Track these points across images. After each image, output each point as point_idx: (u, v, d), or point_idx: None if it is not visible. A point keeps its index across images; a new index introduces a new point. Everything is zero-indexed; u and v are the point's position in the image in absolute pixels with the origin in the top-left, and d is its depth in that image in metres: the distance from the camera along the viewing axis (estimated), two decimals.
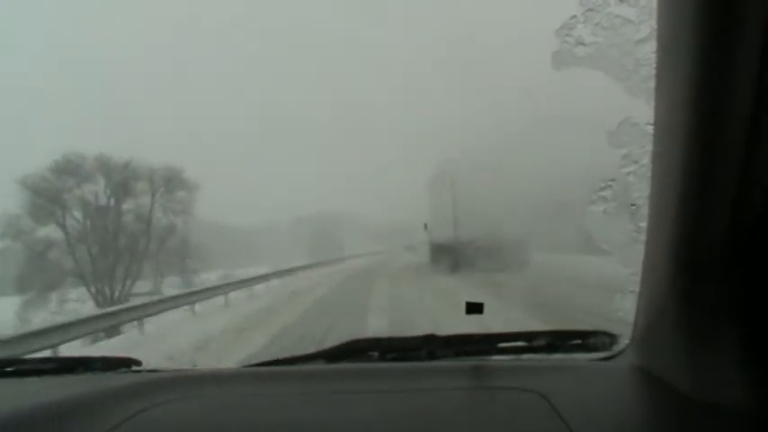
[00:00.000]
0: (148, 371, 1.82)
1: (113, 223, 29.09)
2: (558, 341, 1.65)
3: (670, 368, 1.15)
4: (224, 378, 1.73)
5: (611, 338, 1.58)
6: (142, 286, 28.60)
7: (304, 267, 33.49)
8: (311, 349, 1.84)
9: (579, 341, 1.64)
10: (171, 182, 30.79)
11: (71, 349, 9.88)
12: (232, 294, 18.89)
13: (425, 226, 35.06)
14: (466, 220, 23.15)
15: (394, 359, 1.71)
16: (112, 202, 29.46)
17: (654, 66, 1.12)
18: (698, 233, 0.99)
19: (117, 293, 27.66)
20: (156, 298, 16.77)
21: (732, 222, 0.91)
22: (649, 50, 1.14)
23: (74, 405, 1.39)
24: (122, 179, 29.43)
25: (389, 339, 1.87)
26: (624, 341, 1.48)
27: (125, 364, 1.84)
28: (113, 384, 1.59)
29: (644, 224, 1.20)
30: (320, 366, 1.72)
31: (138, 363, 1.85)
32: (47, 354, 8.78)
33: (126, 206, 29.72)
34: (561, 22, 1.35)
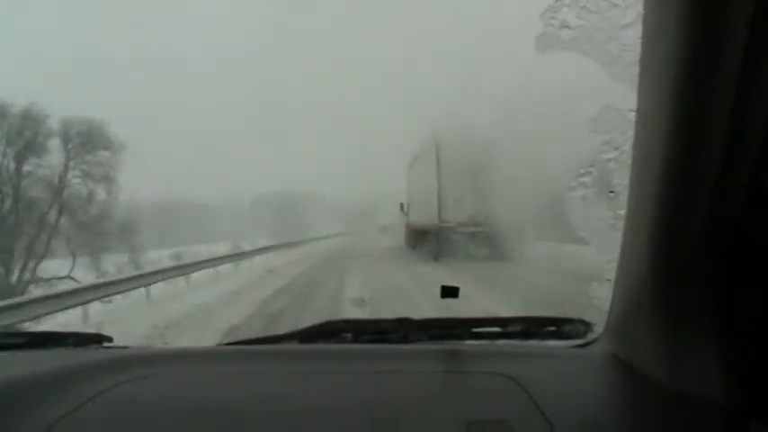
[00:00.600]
0: (120, 347, 1.80)
1: (10, 188, 22.22)
2: (533, 327, 1.66)
3: (644, 357, 1.15)
4: (197, 356, 1.72)
5: (586, 326, 1.59)
6: (49, 268, 22.93)
7: (261, 250, 30.61)
8: (286, 330, 1.83)
9: (554, 328, 1.64)
10: (91, 139, 23.60)
11: None
12: (167, 289, 15.29)
13: (402, 206, 33.80)
14: (450, 202, 20.51)
15: (368, 341, 1.70)
16: (8, 161, 22.32)
17: (638, 52, 1.11)
18: (676, 222, 0.98)
19: (15, 278, 21.46)
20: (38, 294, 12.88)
21: (711, 213, 0.91)
22: (635, 36, 1.13)
23: (44, 380, 1.37)
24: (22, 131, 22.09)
25: (364, 321, 1.87)
26: (599, 329, 1.48)
27: (96, 340, 1.82)
28: (84, 360, 1.57)
29: (622, 212, 1.20)
30: (294, 346, 1.71)
31: (110, 339, 1.83)
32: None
33: (27, 167, 22.49)
34: (546, 5, 1.33)
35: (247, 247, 37.66)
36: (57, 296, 10.97)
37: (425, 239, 23.77)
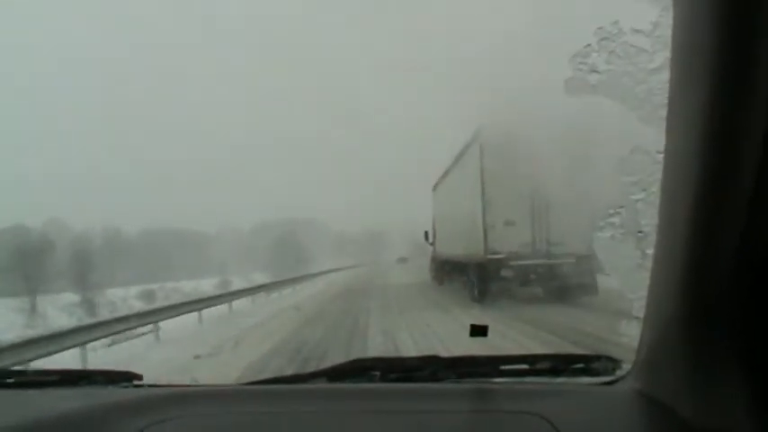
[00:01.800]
0: (149, 386, 1.82)
1: None
2: (561, 365, 1.66)
3: (672, 394, 1.15)
4: (225, 395, 1.73)
5: (614, 363, 1.59)
6: None
7: (251, 290, 25.36)
8: (313, 368, 1.84)
9: (582, 365, 1.64)
10: None
11: None
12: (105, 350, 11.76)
13: (426, 235, 29.99)
14: (499, 227, 15.25)
15: (396, 380, 1.70)
16: None
17: (666, 95, 1.14)
18: (705, 262, 0.99)
19: None
20: None
21: (740, 253, 0.92)
22: (662, 80, 1.16)
23: (75, 419, 1.39)
24: None
25: (392, 359, 1.87)
26: (626, 366, 1.48)
27: (126, 378, 1.85)
28: (114, 399, 1.60)
29: (650, 251, 1.22)
30: (322, 385, 1.73)
31: (140, 377, 1.86)
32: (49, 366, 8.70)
33: None
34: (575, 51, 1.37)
35: (238, 283, 35.27)
36: None
37: (459, 274, 20.04)
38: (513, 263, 14.87)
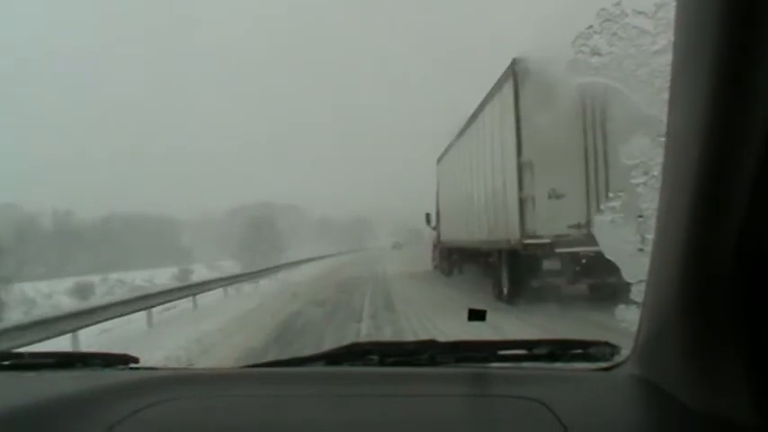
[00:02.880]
0: (146, 368, 1.83)
1: None
2: (559, 350, 1.66)
3: (671, 379, 1.15)
4: (223, 378, 1.74)
5: (613, 349, 1.59)
6: None
7: (205, 285, 20.22)
8: (311, 351, 1.84)
9: (580, 350, 1.64)
10: None
11: None
12: None
13: (428, 217, 26.83)
14: (540, 199, 11.17)
15: (394, 363, 1.71)
16: None
17: (668, 77, 1.13)
18: (706, 247, 0.99)
19: None
20: None
21: (741, 237, 0.92)
22: (665, 62, 1.15)
23: (72, 401, 1.39)
24: None
25: (390, 344, 1.88)
26: (625, 352, 1.48)
27: (123, 360, 1.85)
28: (111, 381, 1.59)
29: (650, 236, 1.21)
30: (320, 369, 1.73)
31: (136, 360, 1.86)
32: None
33: None
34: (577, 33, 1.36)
35: (202, 274, 32.39)
36: None
37: (476, 264, 17.15)
38: (560, 250, 10.87)
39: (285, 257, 48.89)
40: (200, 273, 37.02)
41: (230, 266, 45.26)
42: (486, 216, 14.71)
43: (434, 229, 26.91)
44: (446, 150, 22.71)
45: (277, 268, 33.13)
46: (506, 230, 12.40)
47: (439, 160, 25.01)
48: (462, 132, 18.58)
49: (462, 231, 18.46)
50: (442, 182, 24.21)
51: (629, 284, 1.25)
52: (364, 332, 10.74)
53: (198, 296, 18.14)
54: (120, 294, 18.95)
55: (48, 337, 9.81)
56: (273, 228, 62.82)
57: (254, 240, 56.40)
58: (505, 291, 12.66)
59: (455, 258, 21.87)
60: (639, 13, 1.24)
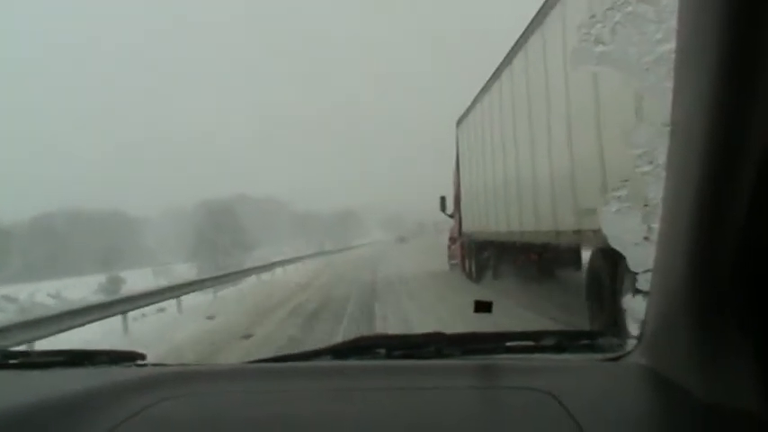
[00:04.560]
0: (153, 365, 1.83)
1: None
2: (566, 341, 1.66)
3: (678, 369, 1.15)
4: (231, 373, 1.74)
5: (620, 339, 1.59)
6: None
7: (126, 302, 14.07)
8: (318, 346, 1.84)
9: (587, 341, 1.65)
10: None
11: None
12: None
13: (443, 203, 21.34)
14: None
15: (401, 356, 1.71)
16: None
17: (672, 65, 1.12)
18: (712, 235, 0.98)
19: None
20: None
21: (747, 225, 0.91)
22: (668, 50, 1.14)
23: (80, 399, 1.39)
24: None
25: (397, 337, 1.89)
26: (632, 342, 1.48)
27: (130, 357, 1.86)
28: (119, 378, 1.60)
29: (656, 225, 1.21)
30: (327, 363, 1.74)
31: (143, 357, 1.87)
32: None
33: None
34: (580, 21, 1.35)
35: (143, 282, 26.70)
36: None
37: (531, 268, 13.53)
38: None
39: (254, 258, 40.58)
40: (136, 281, 29.23)
41: (185, 270, 37.61)
42: (555, 195, 9.56)
43: (452, 216, 21.16)
44: (472, 105, 16.52)
45: (228, 278, 23.88)
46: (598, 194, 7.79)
47: (460, 122, 18.63)
48: (500, 73, 12.84)
49: (503, 219, 13.35)
50: (467, 151, 17.81)
51: None
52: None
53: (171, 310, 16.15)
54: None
55: None
56: (237, 221, 52.17)
57: (214, 238, 46.45)
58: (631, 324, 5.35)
59: (487, 257, 16.39)
60: (642, 1, 1.23)
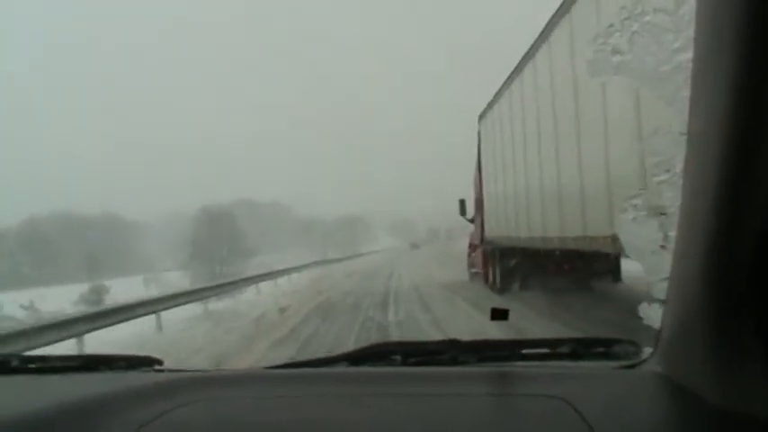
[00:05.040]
0: (170, 370, 1.85)
1: None
2: (582, 348, 1.66)
3: (694, 377, 1.15)
4: (247, 379, 1.76)
5: (635, 347, 1.59)
6: None
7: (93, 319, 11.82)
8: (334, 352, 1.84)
9: (603, 348, 1.64)
10: None
11: None
12: None
13: (462, 206, 19.56)
14: None
15: (417, 363, 1.72)
16: None
17: (690, 75, 1.13)
18: (729, 243, 0.99)
19: None
20: None
21: (764, 234, 0.92)
22: (686, 59, 1.15)
23: (98, 404, 1.41)
24: None
25: (413, 343, 1.89)
26: (648, 349, 1.48)
27: (147, 363, 1.88)
28: (136, 383, 1.62)
29: (673, 233, 1.21)
30: (342, 369, 1.74)
31: (160, 362, 1.89)
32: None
33: None
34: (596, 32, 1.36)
35: (118, 293, 25.07)
36: None
37: (566, 278, 12.25)
38: None
39: (255, 265, 37.40)
40: (125, 290, 27.19)
41: (178, 279, 35.53)
42: (595, 196, 8.39)
43: (472, 221, 19.63)
44: (497, 97, 14.86)
45: (219, 289, 21.02)
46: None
47: (483, 116, 16.87)
48: (533, 56, 11.26)
49: (532, 223, 11.88)
50: (491, 148, 16.08)
51: None
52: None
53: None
54: None
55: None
56: (235, 227, 48.26)
57: (210, 245, 43.04)
58: None
59: (513, 266, 14.62)
60: (659, 10, 1.24)
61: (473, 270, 20.07)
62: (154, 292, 23.92)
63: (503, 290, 15.04)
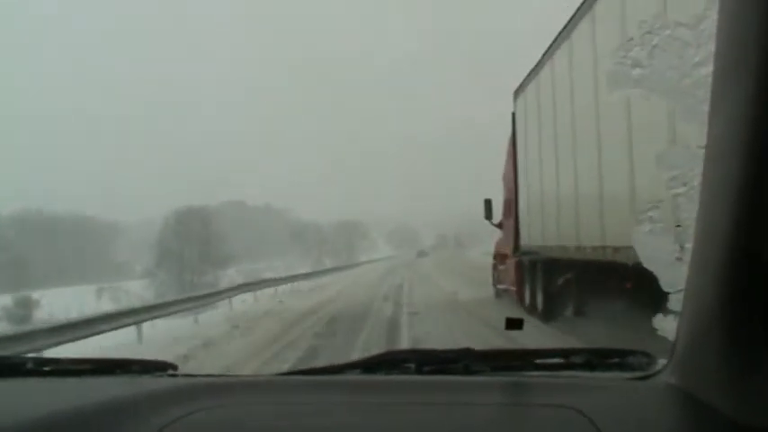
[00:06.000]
0: (185, 375, 1.86)
1: None
2: (596, 359, 1.66)
3: (709, 389, 1.15)
4: (260, 385, 1.77)
5: (649, 358, 1.58)
6: None
7: None
8: (348, 359, 1.85)
9: (617, 359, 1.64)
10: None
11: None
12: None
13: (488, 208, 16.58)
14: None
15: (430, 372, 1.72)
16: None
17: (709, 89, 1.14)
18: (745, 257, 0.99)
19: None
20: None
21: None
22: (706, 73, 1.16)
23: (114, 408, 1.42)
24: None
25: (426, 351, 1.89)
26: (662, 361, 1.48)
27: (162, 367, 1.88)
28: (150, 388, 1.63)
29: (689, 245, 1.22)
30: (356, 377, 1.75)
31: (175, 367, 1.90)
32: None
33: None
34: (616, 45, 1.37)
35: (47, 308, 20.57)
36: None
37: (613, 294, 8.82)
38: None
39: (233, 275, 32.36)
40: (66, 304, 22.79)
41: (141, 290, 30.96)
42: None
43: (498, 226, 16.85)
44: (539, 67, 12.04)
45: (173, 307, 16.75)
46: None
47: (519, 92, 13.76)
48: (591, 11, 9.04)
49: (591, 229, 9.26)
50: (531, 133, 12.99)
51: None
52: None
53: None
54: None
55: None
56: (210, 231, 41.49)
57: (180, 250, 37.47)
58: None
59: (562, 285, 11.33)
60: (680, 24, 1.25)
61: (501, 286, 16.78)
62: (106, 305, 20.89)
63: (548, 315, 11.66)
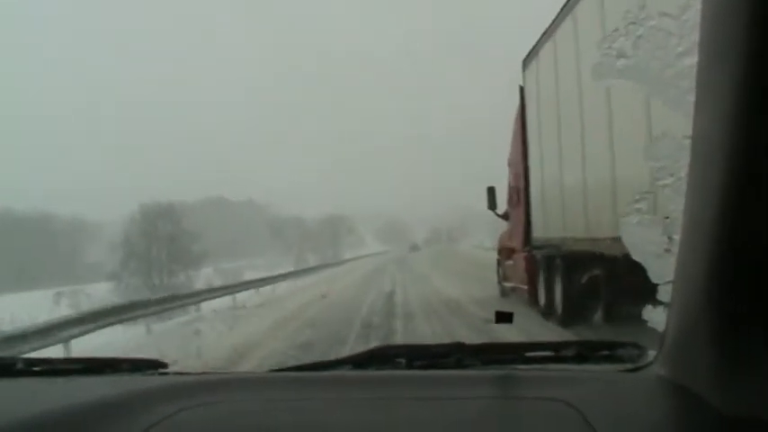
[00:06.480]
0: (175, 373, 1.86)
1: None
2: (586, 351, 1.66)
3: (699, 380, 1.15)
4: (251, 382, 1.76)
5: (640, 350, 1.59)
6: None
7: None
8: (339, 355, 1.85)
9: (607, 352, 1.65)
10: None
11: None
12: None
13: (491, 196, 15.09)
14: None
15: (421, 366, 1.72)
16: None
17: (694, 79, 1.13)
18: (733, 247, 0.99)
19: None
20: None
21: None
22: (690, 64, 1.15)
23: (103, 407, 1.41)
24: None
25: (417, 346, 1.90)
26: (652, 353, 1.48)
27: (153, 366, 1.88)
28: (140, 387, 1.62)
29: (677, 236, 1.21)
30: (347, 372, 1.75)
31: (165, 365, 1.89)
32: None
33: None
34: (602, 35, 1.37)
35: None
36: None
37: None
38: None
39: (210, 274, 30.75)
40: (14, 312, 21.33)
41: (107, 293, 29.22)
42: None
43: (503, 217, 15.42)
44: (550, 33, 10.75)
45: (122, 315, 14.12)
46: None
47: (528, 61, 12.45)
48: None
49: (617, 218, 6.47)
50: (544, 109, 11.58)
51: None
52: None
53: None
54: None
55: None
56: (180, 228, 38.45)
57: (147, 250, 35.51)
58: None
59: (585, 284, 9.76)
60: (664, 14, 1.25)
61: (508, 284, 15.07)
62: (64, 310, 19.61)
63: (568, 320, 10.12)
